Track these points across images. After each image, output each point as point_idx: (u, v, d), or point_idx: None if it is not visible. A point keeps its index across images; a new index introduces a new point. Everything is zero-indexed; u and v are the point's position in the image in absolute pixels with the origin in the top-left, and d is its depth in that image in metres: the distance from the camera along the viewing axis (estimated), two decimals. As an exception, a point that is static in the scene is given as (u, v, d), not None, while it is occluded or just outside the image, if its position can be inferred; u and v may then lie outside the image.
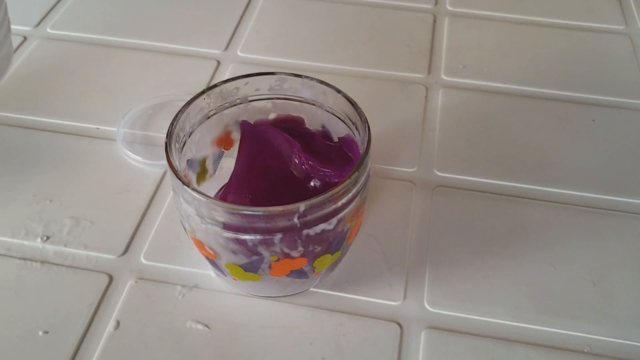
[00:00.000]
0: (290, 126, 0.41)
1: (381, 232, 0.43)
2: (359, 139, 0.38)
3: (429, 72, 0.56)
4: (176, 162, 0.35)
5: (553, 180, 0.47)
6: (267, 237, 0.33)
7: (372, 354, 0.37)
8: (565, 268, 0.42)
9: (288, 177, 0.38)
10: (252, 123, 0.41)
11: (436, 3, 0.64)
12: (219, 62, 0.57)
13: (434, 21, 0.61)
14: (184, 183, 0.33)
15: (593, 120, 0.52)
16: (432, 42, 0.59)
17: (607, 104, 0.53)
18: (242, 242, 0.34)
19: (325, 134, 0.41)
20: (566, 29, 0.61)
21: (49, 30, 0.60)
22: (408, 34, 0.60)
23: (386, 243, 0.43)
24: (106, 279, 0.41)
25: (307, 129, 0.41)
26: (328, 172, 0.38)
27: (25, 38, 0.59)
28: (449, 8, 0.63)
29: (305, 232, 0.33)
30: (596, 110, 0.53)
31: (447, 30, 0.60)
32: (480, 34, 0.60)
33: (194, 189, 0.33)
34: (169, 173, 0.34)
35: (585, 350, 0.38)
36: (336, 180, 0.37)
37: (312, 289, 0.41)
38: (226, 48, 0.58)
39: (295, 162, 0.38)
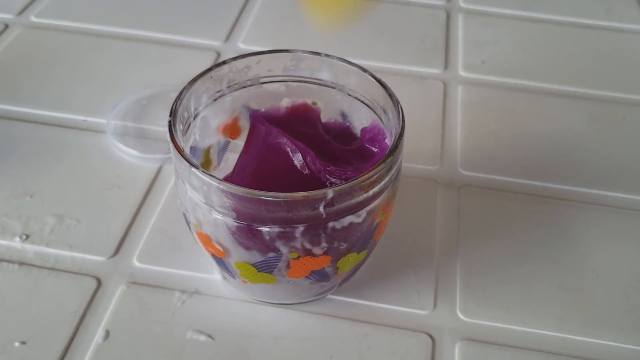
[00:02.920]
0: (303, 129, 0.36)
1: (405, 234, 0.39)
2: (387, 125, 0.34)
3: (445, 68, 0.52)
4: (181, 143, 0.30)
5: (588, 180, 0.43)
6: (287, 229, 0.28)
7: (401, 369, 0.33)
8: (609, 274, 0.38)
9: (299, 180, 0.33)
10: (262, 116, 0.36)
11: (449, 0, 0.60)
12: (218, 54, 0.52)
13: (447, 17, 0.58)
14: (192, 164, 0.28)
15: (624, 119, 0.48)
16: (447, 37, 0.55)
17: (638, 103, 0.50)
18: (258, 235, 0.29)
19: (343, 128, 0.37)
20: (585, 28, 0.58)
21: (33, 19, 0.55)
22: (420, 29, 0.56)
23: (411, 246, 0.38)
24: (94, 283, 0.36)
25: (321, 133, 0.36)
26: (350, 174, 0.33)
27: (6, 26, 0.54)
28: (462, 5, 0.59)
29: (331, 224, 0.29)
30: (627, 109, 0.49)
31: (462, 27, 0.57)
32: (497, 31, 0.56)
33: (203, 172, 0.28)
34: (173, 155, 0.29)
35: (641, 365, 0.34)
36: None
37: (329, 296, 0.36)
38: (227, 40, 0.54)
39: (311, 169, 0.33)
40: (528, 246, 0.39)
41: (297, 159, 0.33)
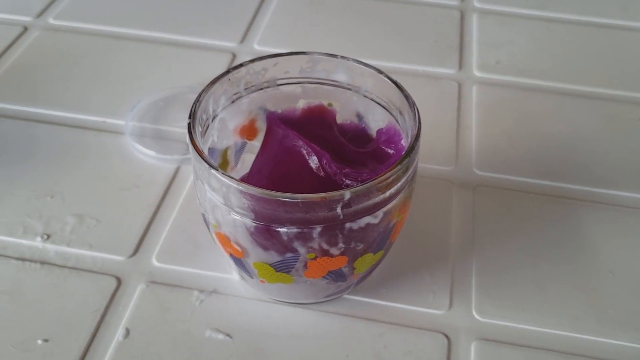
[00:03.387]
0: (319, 131, 0.36)
1: (421, 234, 0.39)
2: (403, 126, 0.34)
3: (460, 68, 0.52)
4: (200, 145, 0.30)
5: (603, 180, 0.43)
6: (304, 229, 0.29)
7: (416, 368, 0.33)
8: (625, 274, 0.38)
9: (315, 182, 0.34)
10: (279, 117, 0.36)
11: (463, 0, 0.60)
12: (234, 55, 0.53)
13: (462, 17, 0.58)
14: (211, 166, 0.29)
15: (639, 119, 0.48)
16: (461, 37, 0.56)
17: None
18: (276, 235, 0.29)
19: (359, 130, 0.37)
20: (601, 27, 0.57)
21: (51, 21, 0.56)
22: (434, 29, 0.56)
23: (427, 246, 0.39)
24: (114, 283, 0.36)
25: (337, 135, 0.36)
26: (365, 176, 0.33)
27: (25, 28, 0.55)
28: (477, 5, 0.60)
29: (348, 225, 0.29)
30: (642, 108, 0.49)
31: (477, 27, 0.57)
32: (512, 31, 0.57)
33: (223, 174, 0.28)
34: (193, 157, 0.30)
35: (657, 365, 0.34)
36: None
37: (345, 296, 0.36)
38: (242, 41, 0.54)
39: (327, 171, 0.33)
40: (543, 246, 0.39)
41: (313, 162, 0.33)
